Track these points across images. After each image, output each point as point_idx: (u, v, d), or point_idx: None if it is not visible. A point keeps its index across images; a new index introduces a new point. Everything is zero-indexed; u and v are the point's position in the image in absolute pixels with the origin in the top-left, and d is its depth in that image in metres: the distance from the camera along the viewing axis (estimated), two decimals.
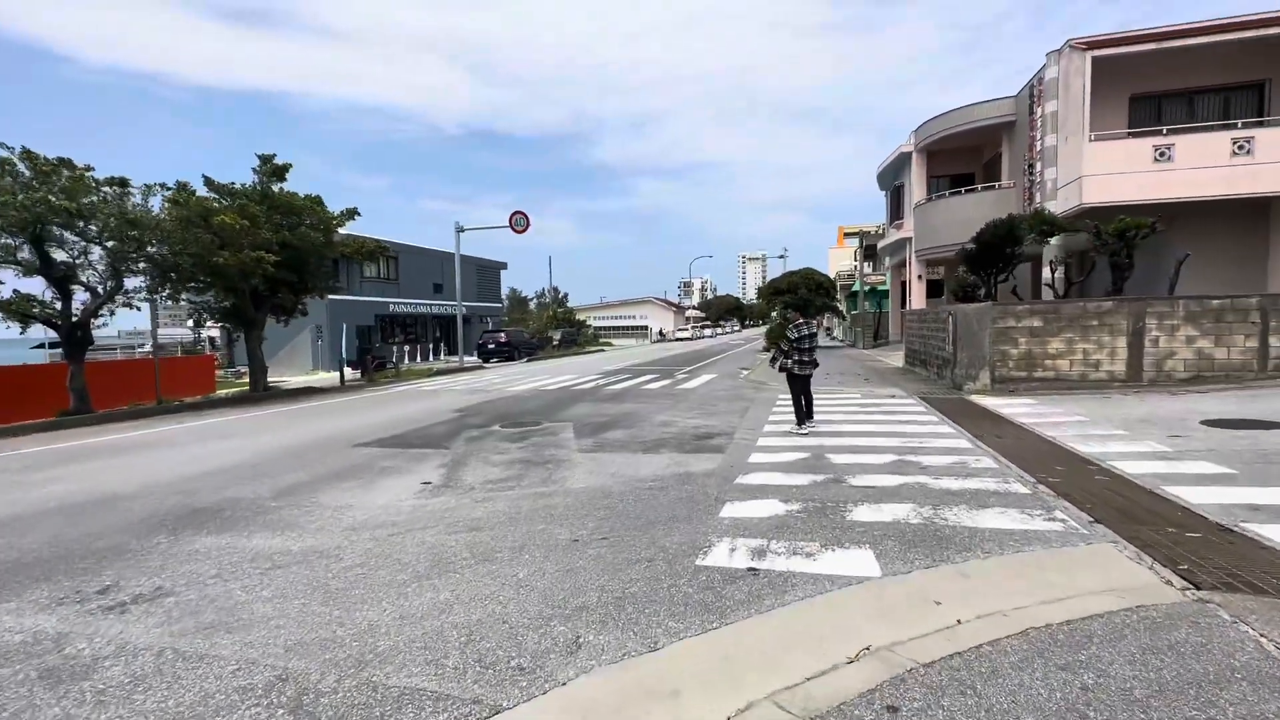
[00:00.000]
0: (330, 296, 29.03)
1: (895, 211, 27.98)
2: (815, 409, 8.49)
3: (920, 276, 24.54)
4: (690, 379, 17.20)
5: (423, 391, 16.44)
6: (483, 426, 9.73)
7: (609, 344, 62.47)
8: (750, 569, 3.71)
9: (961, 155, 24.12)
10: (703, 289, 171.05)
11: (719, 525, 4.49)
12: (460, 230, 24.99)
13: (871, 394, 11.80)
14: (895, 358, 20.00)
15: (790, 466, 6.22)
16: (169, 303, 16.66)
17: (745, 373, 18.16)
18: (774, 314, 33.39)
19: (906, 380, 13.59)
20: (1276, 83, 15.45)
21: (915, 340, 15.91)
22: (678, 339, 63.33)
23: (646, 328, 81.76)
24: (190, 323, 16.88)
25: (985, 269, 13.05)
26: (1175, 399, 9.46)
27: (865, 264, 38.64)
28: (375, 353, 23.74)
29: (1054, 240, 15.16)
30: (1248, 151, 14.49)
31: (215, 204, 14.53)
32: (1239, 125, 14.98)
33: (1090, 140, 15.50)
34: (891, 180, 28.24)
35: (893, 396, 11.32)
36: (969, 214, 20.48)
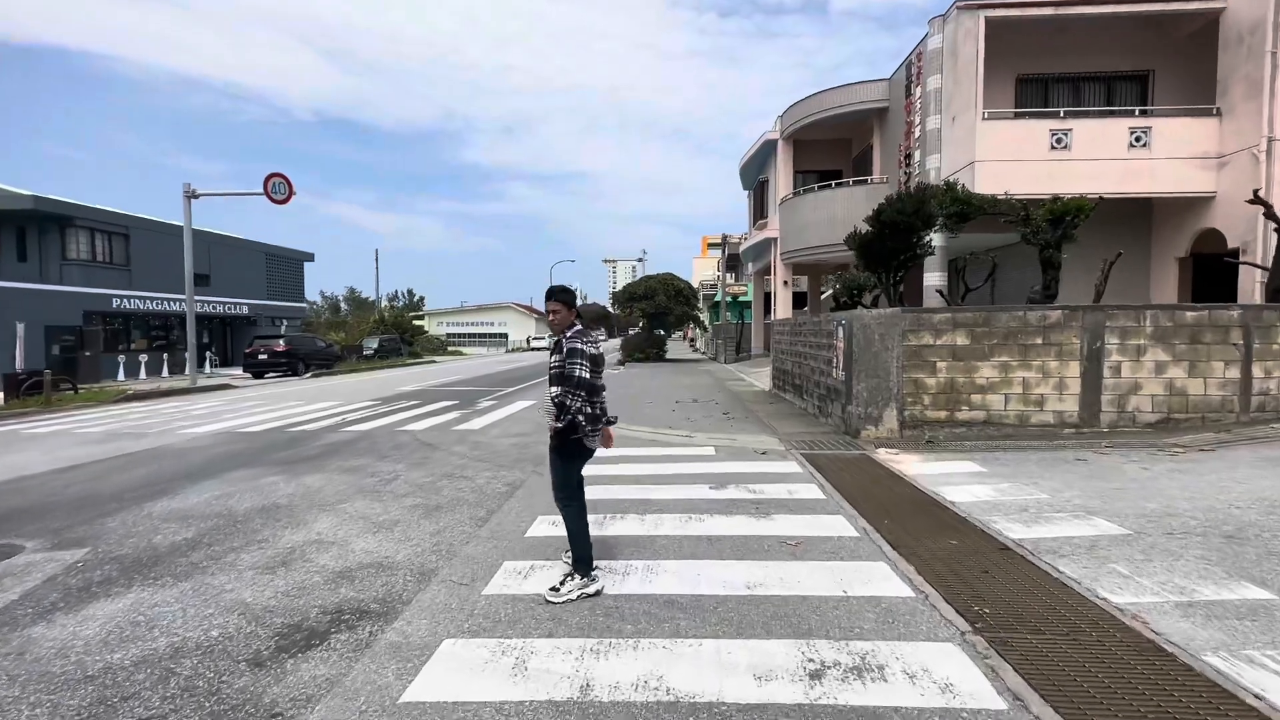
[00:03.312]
0: None
1: (759, 210, 25.02)
2: (630, 503, 3.81)
3: (786, 283, 21.51)
4: (492, 410, 12.09)
5: None
6: None
7: (459, 353, 55.14)
8: None
9: (829, 148, 21.53)
10: None
11: None
12: (193, 195, 17.76)
13: (732, 448, 7.49)
14: (760, 376, 16.41)
15: None
16: None
17: None
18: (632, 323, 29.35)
19: (779, 416, 9.57)
20: (1160, 74, 13.82)
21: (787, 359, 12.12)
22: (534, 348, 57.83)
23: (506, 335, 75.32)
24: None
25: (883, 264, 9.40)
26: (1181, 465, 6.06)
27: (728, 274, 36.01)
28: (35, 369, 15.83)
29: (937, 238, 12.25)
30: (1145, 144, 12.47)
31: None
32: (1136, 113, 13.02)
33: (984, 119, 12.81)
34: (755, 175, 25.28)
35: (764, 455, 7.06)
36: (839, 211, 17.62)
